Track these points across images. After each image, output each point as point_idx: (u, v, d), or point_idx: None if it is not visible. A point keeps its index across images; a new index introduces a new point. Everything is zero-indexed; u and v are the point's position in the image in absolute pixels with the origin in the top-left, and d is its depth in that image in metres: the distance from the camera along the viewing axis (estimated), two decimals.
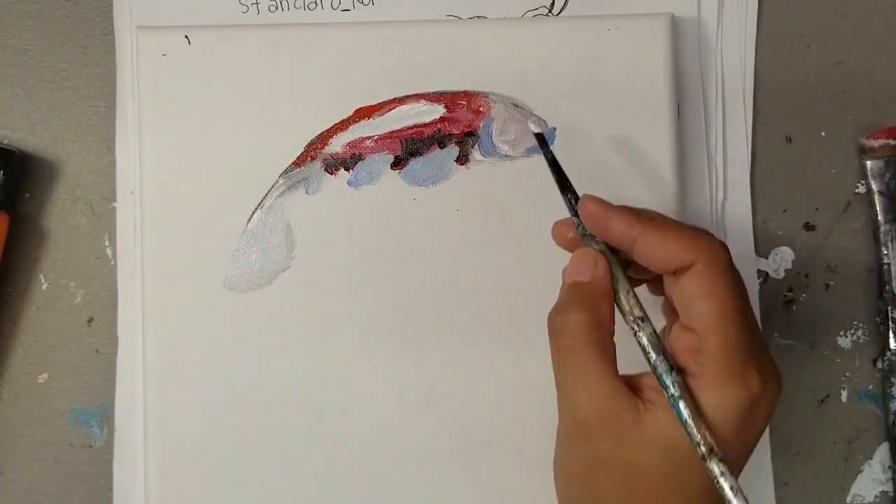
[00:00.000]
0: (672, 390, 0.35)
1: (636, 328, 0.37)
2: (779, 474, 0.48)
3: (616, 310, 0.38)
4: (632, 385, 0.37)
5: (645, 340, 0.37)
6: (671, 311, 0.39)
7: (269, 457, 0.46)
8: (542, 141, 0.41)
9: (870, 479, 0.49)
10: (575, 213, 0.40)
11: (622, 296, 0.38)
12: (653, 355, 0.36)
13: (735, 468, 0.36)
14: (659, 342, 0.37)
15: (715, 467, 0.34)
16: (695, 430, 0.35)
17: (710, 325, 0.36)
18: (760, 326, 0.48)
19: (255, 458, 0.46)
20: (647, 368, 0.37)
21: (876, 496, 0.49)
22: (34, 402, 0.48)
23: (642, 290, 0.41)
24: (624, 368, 0.38)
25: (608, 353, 0.37)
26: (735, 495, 0.34)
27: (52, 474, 0.48)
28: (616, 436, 0.36)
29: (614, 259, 0.39)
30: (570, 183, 0.40)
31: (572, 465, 0.38)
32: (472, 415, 0.46)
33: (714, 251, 0.36)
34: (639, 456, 0.36)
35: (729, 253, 0.37)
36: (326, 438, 0.46)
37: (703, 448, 0.34)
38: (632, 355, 0.37)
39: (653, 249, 0.37)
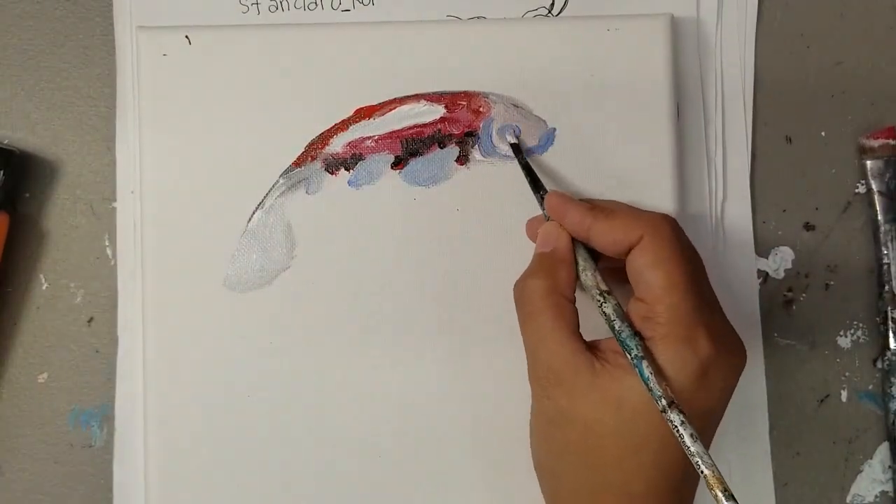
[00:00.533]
0: (635, 351, 0.37)
1: (601, 300, 0.39)
2: (779, 474, 0.48)
3: (585, 288, 0.41)
4: (592, 348, 0.39)
5: (609, 310, 0.39)
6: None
7: (269, 457, 0.46)
8: (518, 150, 0.45)
9: (870, 479, 0.49)
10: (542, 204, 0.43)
11: (589, 273, 0.40)
12: (616, 322, 0.38)
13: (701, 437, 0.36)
14: (622, 312, 0.39)
15: (675, 416, 0.35)
16: (655, 385, 0.36)
17: (658, 293, 0.38)
18: (760, 326, 0.49)
19: (255, 458, 0.46)
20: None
21: (876, 496, 0.49)
22: (34, 402, 0.48)
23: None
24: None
25: (565, 315, 0.39)
26: (694, 442, 0.35)
27: (52, 474, 0.48)
28: (572, 391, 0.38)
29: (578, 242, 0.41)
30: (541, 183, 0.44)
31: (538, 423, 0.40)
32: (472, 414, 0.46)
33: (658, 224, 0.39)
34: (593, 411, 0.38)
35: (676, 225, 0.40)
36: (326, 438, 0.46)
37: (663, 401, 0.36)
38: (600, 331, 0.40)
39: (604, 234, 0.40)
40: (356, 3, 0.48)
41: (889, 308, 0.48)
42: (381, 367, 0.46)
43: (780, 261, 0.49)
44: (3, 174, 0.46)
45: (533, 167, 0.44)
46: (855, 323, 0.49)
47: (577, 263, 0.41)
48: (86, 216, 0.48)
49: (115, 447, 0.47)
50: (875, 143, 0.49)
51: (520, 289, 0.41)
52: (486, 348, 0.46)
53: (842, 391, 0.49)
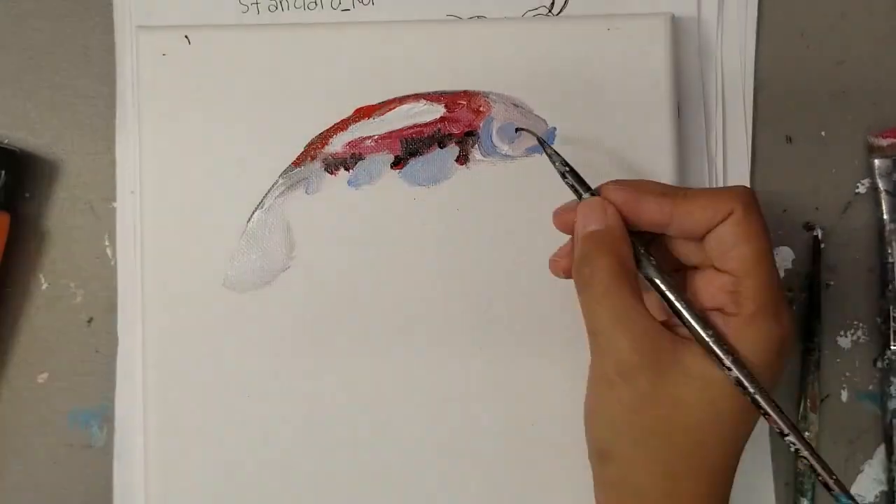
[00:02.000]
0: (704, 335, 0.37)
1: (669, 291, 0.38)
2: (779, 474, 0.48)
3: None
4: (664, 324, 0.38)
5: (668, 292, 0.38)
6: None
7: (269, 456, 0.46)
8: (548, 148, 0.42)
9: (870, 479, 0.49)
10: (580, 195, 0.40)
11: (645, 260, 0.39)
12: (678, 306, 0.38)
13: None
14: (690, 303, 0.38)
15: (768, 406, 0.36)
16: (749, 383, 0.36)
17: (749, 267, 0.37)
18: None
19: (255, 458, 0.46)
20: None
21: (876, 496, 0.49)
22: (34, 402, 0.48)
23: None
24: None
25: (638, 293, 0.38)
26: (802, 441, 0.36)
27: (52, 474, 0.48)
28: (658, 372, 0.37)
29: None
30: (572, 168, 0.41)
31: (613, 409, 0.38)
32: (472, 414, 0.46)
33: (747, 197, 0.38)
34: (680, 390, 0.37)
35: (757, 199, 0.38)
36: (326, 438, 0.46)
37: (757, 397, 0.36)
38: None
39: (691, 216, 0.38)
40: (356, 3, 0.48)
41: (891, 307, 0.48)
42: (381, 366, 0.46)
43: (780, 261, 0.49)
44: (4, 174, 0.46)
45: (567, 162, 0.41)
46: (855, 323, 0.49)
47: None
48: (86, 216, 0.48)
49: (114, 447, 0.47)
50: (884, 142, 0.49)
51: (587, 271, 0.38)
52: (486, 348, 0.46)
53: (842, 391, 0.49)
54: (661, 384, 0.37)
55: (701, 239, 0.38)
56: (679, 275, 0.41)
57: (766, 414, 0.36)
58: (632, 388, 0.37)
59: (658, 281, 0.38)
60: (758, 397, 0.36)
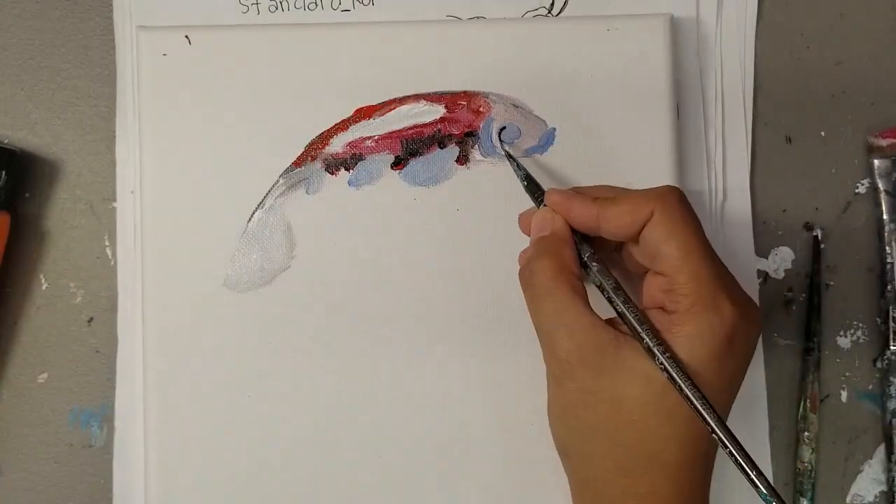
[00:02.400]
0: (650, 342, 0.37)
1: (608, 286, 0.39)
2: (778, 474, 0.48)
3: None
4: (610, 323, 0.39)
5: (618, 298, 0.38)
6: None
7: (269, 456, 0.46)
8: (510, 157, 0.45)
9: (870, 479, 0.49)
10: (539, 205, 0.42)
11: (588, 260, 0.40)
12: (625, 308, 0.38)
13: (721, 400, 0.37)
14: (629, 299, 0.39)
15: (698, 401, 0.36)
16: (681, 377, 0.36)
17: (676, 263, 0.37)
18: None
19: (255, 458, 0.46)
20: None
21: (876, 496, 0.49)
22: (34, 402, 0.48)
23: None
24: None
25: (578, 292, 0.39)
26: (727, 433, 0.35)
27: (52, 474, 0.48)
28: (598, 368, 0.37)
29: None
30: (537, 183, 0.43)
31: (561, 405, 0.40)
32: (472, 414, 0.46)
33: (666, 196, 0.38)
34: (621, 386, 0.37)
35: (682, 195, 0.39)
36: (326, 438, 0.46)
37: (685, 388, 0.36)
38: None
39: (615, 219, 0.39)
40: (356, 3, 0.48)
41: (890, 307, 0.48)
42: (381, 366, 0.46)
43: (780, 261, 0.49)
44: (4, 174, 0.46)
45: (525, 168, 0.44)
46: (855, 323, 0.49)
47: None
48: (86, 216, 0.48)
49: (115, 447, 0.47)
50: (884, 142, 0.49)
51: (528, 273, 0.40)
52: (486, 348, 0.46)
53: (842, 391, 0.49)
54: (603, 380, 0.37)
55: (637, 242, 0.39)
56: (641, 278, 0.41)
57: (694, 408, 0.36)
58: (575, 384, 0.38)
59: (600, 280, 0.39)
60: (683, 387, 0.36)
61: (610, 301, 0.39)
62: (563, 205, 0.41)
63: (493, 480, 0.46)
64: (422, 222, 0.46)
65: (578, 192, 0.41)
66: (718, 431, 0.36)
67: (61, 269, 0.48)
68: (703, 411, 0.36)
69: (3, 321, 0.48)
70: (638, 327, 0.37)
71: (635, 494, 0.38)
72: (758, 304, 0.48)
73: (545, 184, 0.44)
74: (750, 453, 0.35)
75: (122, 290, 0.48)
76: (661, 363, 0.36)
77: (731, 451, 0.35)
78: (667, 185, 0.40)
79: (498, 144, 0.46)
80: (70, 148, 0.48)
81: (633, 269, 0.41)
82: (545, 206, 0.41)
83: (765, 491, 0.35)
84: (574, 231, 0.41)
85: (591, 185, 0.43)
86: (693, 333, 0.37)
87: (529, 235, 0.43)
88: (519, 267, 0.42)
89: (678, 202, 0.39)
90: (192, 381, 0.45)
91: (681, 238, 0.37)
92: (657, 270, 0.38)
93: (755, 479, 0.35)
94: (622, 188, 0.41)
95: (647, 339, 0.37)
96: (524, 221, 0.44)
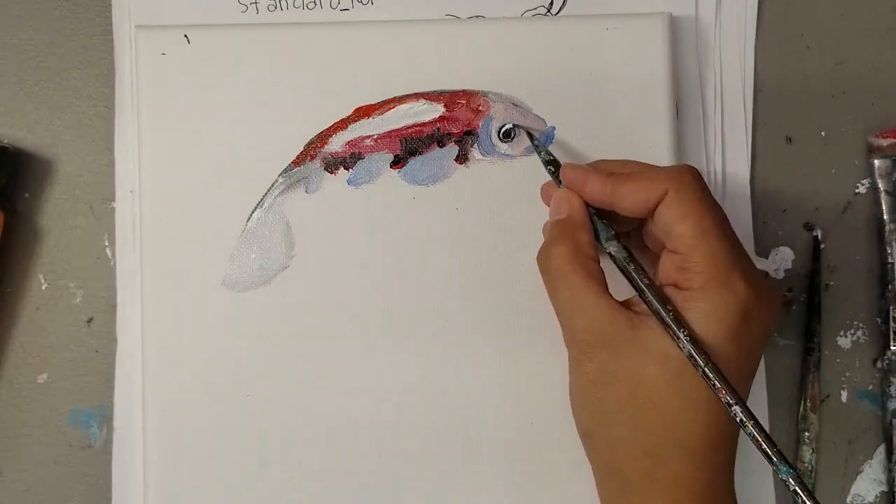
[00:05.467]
0: (668, 318, 0.37)
1: (628, 265, 0.39)
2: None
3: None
4: (627, 304, 0.39)
5: (636, 274, 0.39)
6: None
7: (269, 456, 0.46)
8: (530, 136, 0.45)
9: (870, 479, 0.49)
10: (558, 181, 0.43)
11: (606, 239, 0.40)
12: (643, 284, 0.38)
13: (739, 380, 0.37)
14: (647, 275, 0.39)
15: (716, 378, 0.36)
16: (695, 351, 0.36)
17: (690, 242, 0.38)
18: None
19: (255, 458, 0.46)
20: None
21: (876, 496, 0.49)
22: (34, 402, 0.48)
23: None
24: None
25: (595, 275, 0.39)
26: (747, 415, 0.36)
27: (51, 474, 0.48)
28: (616, 349, 0.38)
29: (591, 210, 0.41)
30: (553, 157, 0.44)
31: (582, 388, 0.40)
32: (471, 413, 0.46)
33: (681, 176, 0.39)
34: (639, 367, 0.37)
35: (697, 174, 0.39)
36: (325, 437, 0.46)
37: (702, 364, 0.36)
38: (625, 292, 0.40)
39: (628, 196, 0.39)
40: (355, 3, 0.48)
41: (891, 307, 0.48)
42: (380, 365, 0.46)
43: (780, 261, 0.49)
44: None
45: (547, 148, 0.44)
46: (855, 323, 0.49)
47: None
48: (85, 216, 0.48)
49: (114, 447, 0.47)
50: (884, 142, 0.49)
51: (544, 257, 0.41)
52: (485, 347, 0.46)
53: (842, 391, 0.49)
54: (621, 360, 0.38)
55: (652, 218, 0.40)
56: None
57: (712, 386, 0.36)
58: (594, 365, 0.38)
59: (617, 258, 0.40)
60: (700, 363, 0.36)
61: (628, 278, 0.39)
62: (577, 181, 0.41)
63: (493, 480, 0.46)
64: (421, 221, 0.46)
65: (595, 166, 0.41)
66: (735, 405, 0.36)
67: (61, 270, 0.48)
68: (719, 384, 0.36)
69: (2, 322, 0.48)
70: (656, 303, 0.37)
71: (658, 477, 0.38)
72: None
73: (544, 182, 0.44)
74: (750, 453, 0.35)
75: (122, 290, 0.48)
76: (678, 338, 0.36)
77: (742, 421, 0.36)
78: (683, 164, 0.40)
79: (503, 143, 0.46)
80: (69, 148, 0.48)
81: (652, 246, 0.42)
82: (563, 186, 0.42)
83: (784, 467, 0.35)
84: (593, 208, 0.41)
85: (612, 158, 0.43)
86: (708, 310, 0.37)
87: (547, 204, 0.43)
88: (530, 261, 0.42)
89: (693, 181, 0.39)
90: (192, 380, 0.45)
91: (695, 217, 0.38)
92: (671, 249, 0.39)
93: (773, 456, 0.35)
94: (640, 163, 0.41)
95: (664, 314, 0.37)
96: (545, 193, 0.44)
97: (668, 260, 0.39)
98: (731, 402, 0.36)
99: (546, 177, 0.44)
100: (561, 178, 0.42)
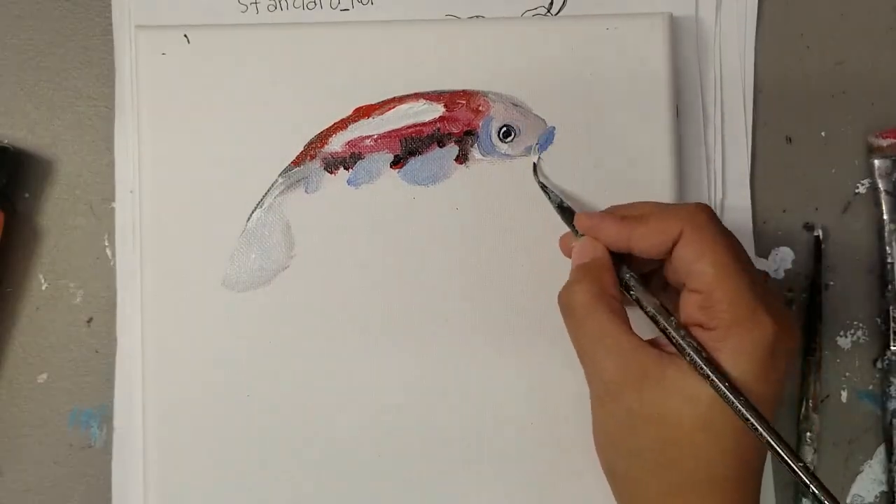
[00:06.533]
0: (684, 345, 0.37)
1: (652, 311, 0.39)
2: (779, 475, 0.48)
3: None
4: (653, 344, 0.39)
5: (652, 310, 0.39)
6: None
7: (269, 456, 0.46)
8: (543, 186, 0.45)
9: (870, 479, 0.49)
10: (574, 228, 0.43)
11: (632, 284, 0.40)
12: (661, 320, 0.38)
13: (769, 413, 0.37)
14: (675, 319, 0.39)
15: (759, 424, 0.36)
16: (734, 397, 0.36)
17: (711, 280, 0.37)
18: None
19: (255, 458, 0.46)
20: None
21: (876, 496, 0.49)
22: (34, 402, 0.48)
23: None
24: None
25: (619, 315, 0.39)
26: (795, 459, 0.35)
27: (51, 474, 0.48)
28: (642, 389, 0.37)
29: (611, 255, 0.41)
30: (567, 204, 0.44)
31: (608, 428, 0.39)
32: (471, 414, 0.46)
33: (694, 215, 0.38)
34: (667, 406, 0.37)
35: (711, 212, 0.39)
36: (325, 437, 0.46)
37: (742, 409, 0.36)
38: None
39: (644, 240, 0.39)
40: (355, 3, 0.48)
41: (891, 307, 0.48)
42: (380, 365, 0.46)
43: (780, 261, 0.49)
44: None
45: (558, 194, 0.45)
46: (855, 323, 0.49)
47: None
48: (85, 216, 0.48)
49: (114, 447, 0.47)
50: (884, 142, 0.49)
51: (567, 296, 0.40)
52: (485, 347, 0.46)
53: (842, 391, 0.49)
54: (647, 400, 0.37)
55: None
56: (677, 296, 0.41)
57: (752, 427, 0.36)
58: (620, 405, 0.38)
59: (641, 301, 0.39)
60: (738, 406, 0.36)
61: (653, 320, 0.39)
62: (592, 228, 0.41)
63: (493, 480, 0.46)
64: (421, 221, 0.46)
65: (608, 212, 0.41)
66: (777, 447, 0.35)
67: (61, 270, 0.48)
68: (759, 428, 0.36)
69: (2, 322, 0.48)
70: (685, 345, 0.37)
71: None
72: None
73: (549, 185, 0.44)
74: None
75: (122, 290, 0.48)
76: (712, 380, 0.36)
77: (790, 466, 0.35)
78: (695, 203, 0.40)
79: (503, 143, 0.46)
80: (69, 148, 0.48)
81: (675, 285, 0.41)
82: (584, 235, 0.42)
83: None
84: (614, 253, 0.41)
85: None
86: (737, 349, 0.36)
87: (567, 256, 0.43)
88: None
89: (707, 220, 0.38)
90: (192, 380, 0.45)
91: (713, 255, 0.37)
92: (692, 288, 0.38)
93: (820, 497, 0.35)
94: (650, 203, 0.41)
95: (695, 357, 0.37)
96: (564, 244, 0.44)
97: (690, 299, 0.38)
98: (771, 442, 0.36)
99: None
100: (576, 225, 0.42)
